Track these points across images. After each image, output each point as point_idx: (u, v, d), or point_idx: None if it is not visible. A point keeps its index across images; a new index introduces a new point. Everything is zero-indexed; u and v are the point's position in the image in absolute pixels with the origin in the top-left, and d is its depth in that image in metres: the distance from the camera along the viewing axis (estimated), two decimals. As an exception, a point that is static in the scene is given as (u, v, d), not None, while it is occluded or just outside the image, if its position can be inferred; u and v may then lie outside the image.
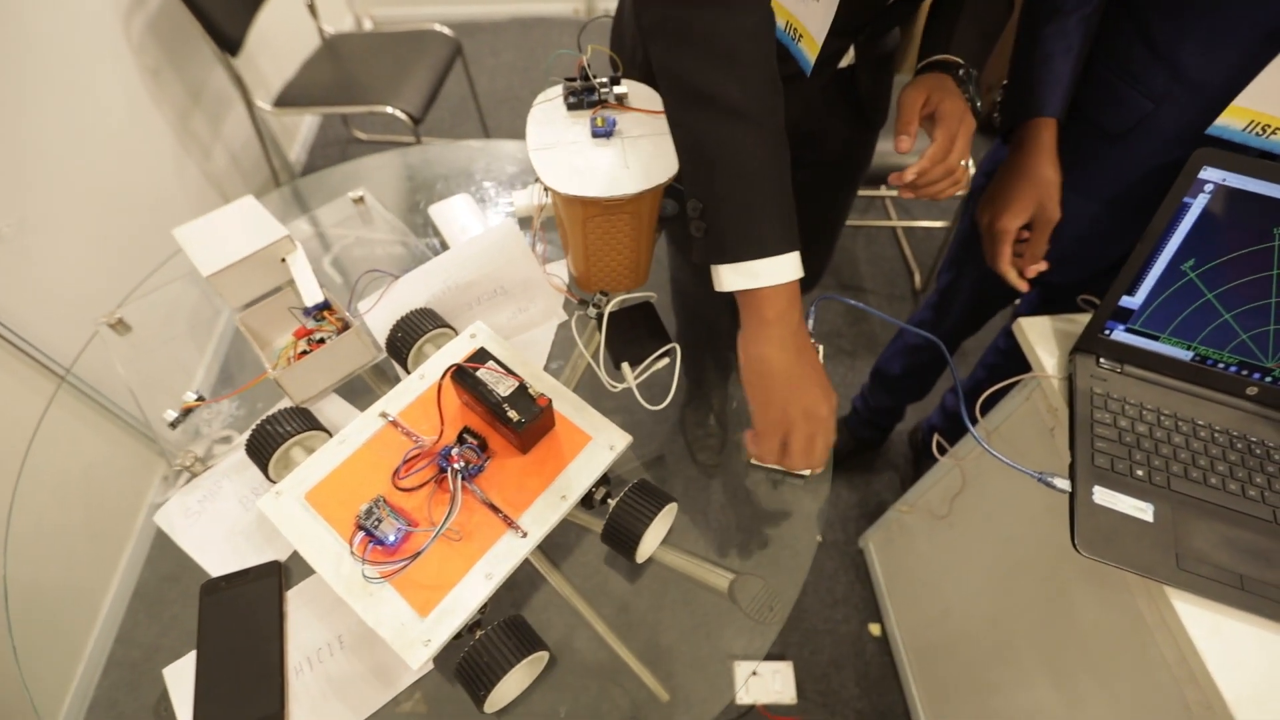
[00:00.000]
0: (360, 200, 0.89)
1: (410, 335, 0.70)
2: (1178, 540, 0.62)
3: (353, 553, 0.54)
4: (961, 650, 1.07)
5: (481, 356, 0.63)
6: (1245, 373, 0.70)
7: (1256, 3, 0.58)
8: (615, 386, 0.74)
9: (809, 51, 0.67)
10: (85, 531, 1.16)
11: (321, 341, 0.69)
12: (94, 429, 1.16)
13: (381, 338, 0.72)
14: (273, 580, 0.61)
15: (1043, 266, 0.74)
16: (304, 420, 0.65)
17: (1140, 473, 0.65)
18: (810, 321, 0.76)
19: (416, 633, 0.53)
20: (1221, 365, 0.71)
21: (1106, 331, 0.72)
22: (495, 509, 0.59)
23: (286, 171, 1.77)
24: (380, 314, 0.74)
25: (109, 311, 0.81)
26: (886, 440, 1.48)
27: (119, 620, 1.20)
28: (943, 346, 0.74)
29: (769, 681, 1.18)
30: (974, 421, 1.35)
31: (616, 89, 0.72)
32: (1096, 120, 0.72)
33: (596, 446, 0.63)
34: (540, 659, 0.56)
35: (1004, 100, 0.74)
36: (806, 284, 0.94)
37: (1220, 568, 0.60)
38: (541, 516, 0.59)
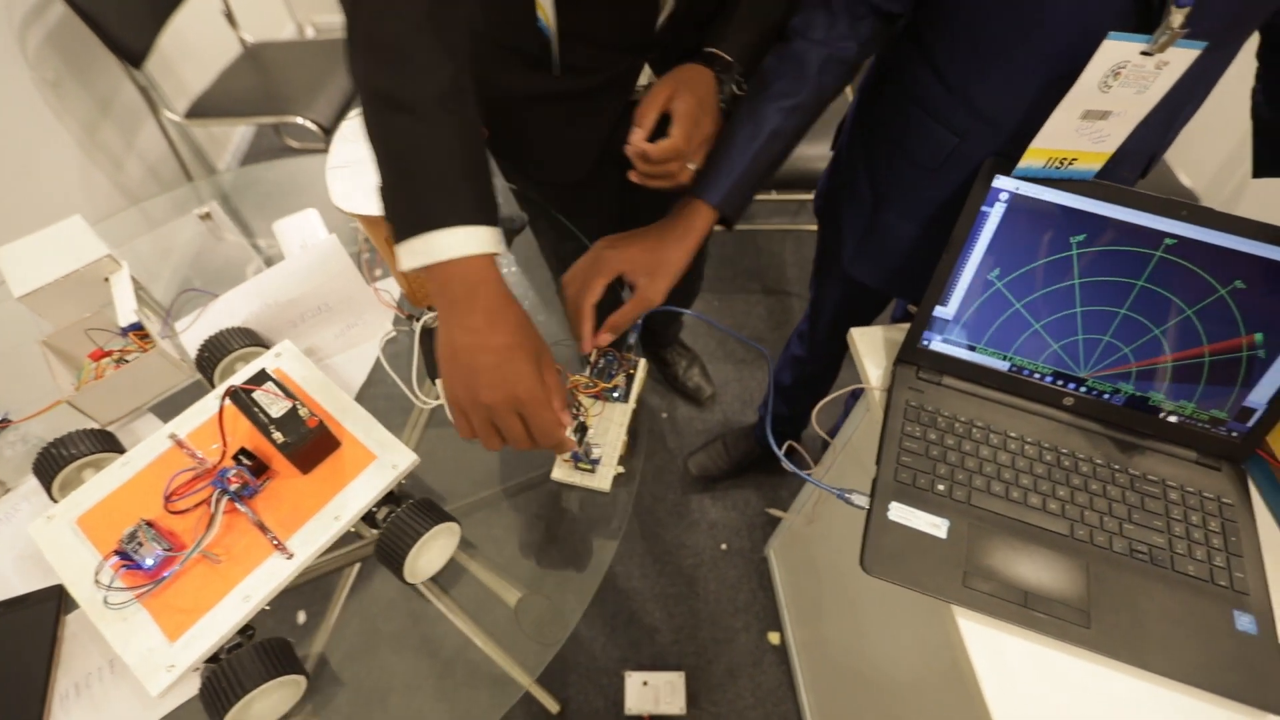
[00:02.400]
0: (207, 216, 0.89)
1: (216, 353, 0.70)
2: (969, 557, 0.61)
3: (96, 579, 0.53)
4: (843, 660, 1.06)
5: (260, 378, 0.62)
6: (1061, 383, 0.69)
7: (1041, 52, 0.57)
8: (426, 403, 0.73)
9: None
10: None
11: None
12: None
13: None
14: (50, 605, 0.60)
15: (604, 340, 0.67)
16: (96, 442, 0.65)
17: (941, 487, 0.64)
18: (633, 336, 0.75)
19: (162, 658, 0.53)
20: (1038, 376, 0.70)
21: (925, 342, 0.71)
22: (265, 530, 0.58)
23: (214, 183, 1.78)
24: (198, 333, 0.74)
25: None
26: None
27: None
28: (766, 355, 0.74)
29: (659, 691, 1.18)
30: (795, 431, 1.33)
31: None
32: (911, 155, 0.71)
33: (380, 465, 0.63)
34: (293, 682, 0.56)
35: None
36: (682, 299, 0.94)
37: (1006, 585, 0.59)
38: (311, 537, 0.59)
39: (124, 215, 0.97)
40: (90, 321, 0.71)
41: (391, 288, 0.81)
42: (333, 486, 0.62)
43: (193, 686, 0.56)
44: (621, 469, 0.68)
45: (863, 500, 0.65)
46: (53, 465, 0.62)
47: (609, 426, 0.69)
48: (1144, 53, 0.50)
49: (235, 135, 2.01)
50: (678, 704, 1.17)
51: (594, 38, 0.69)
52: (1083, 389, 0.69)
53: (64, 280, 0.70)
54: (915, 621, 0.76)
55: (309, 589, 0.73)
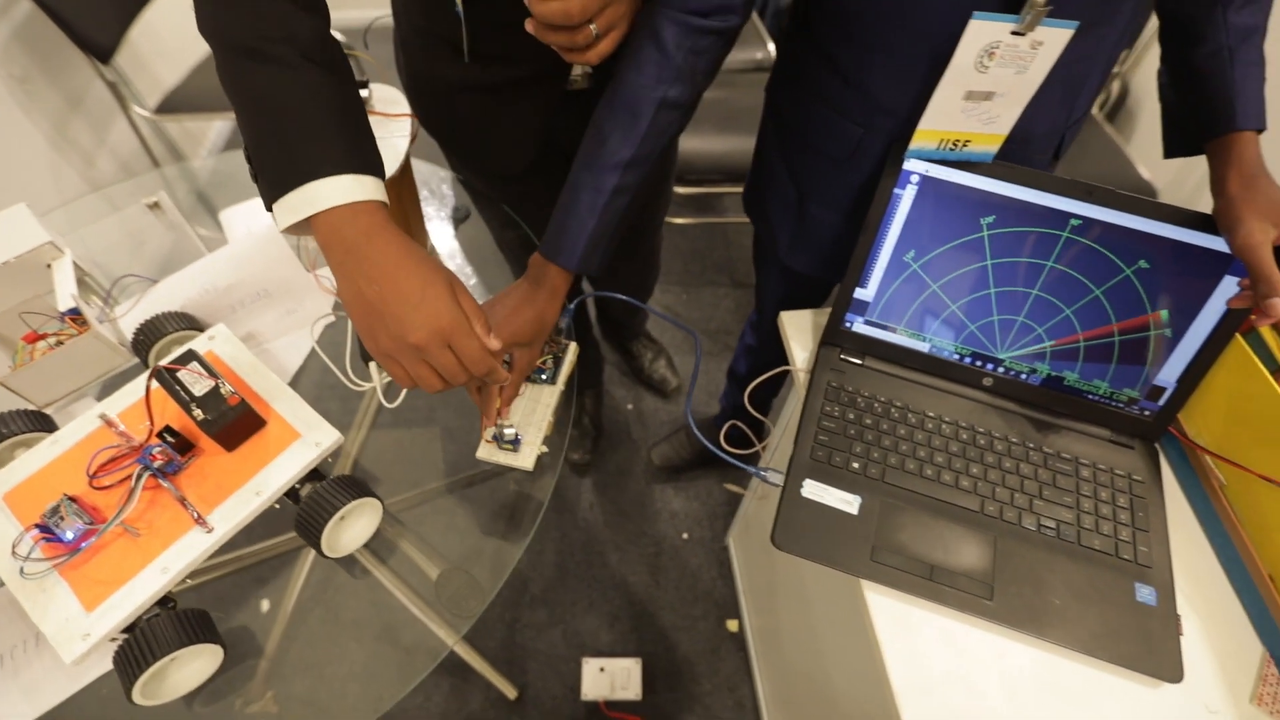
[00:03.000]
0: (156, 205, 0.91)
1: (152, 336, 0.71)
2: (878, 532, 0.62)
3: (14, 550, 0.55)
4: (793, 646, 1.07)
5: (186, 358, 0.63)
6: (979, 364, 0.70)
7: (920, 38, 0.58)
8: (359, 385, 0.75)
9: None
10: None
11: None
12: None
13: (138, 341, 0.73)
14: (-23, 579, 0.62)
15: (505, 414, 0.66)
16: (29, 423, 0.66)
17: (856, 465, 0.66)
18: (564, 320, 0.76)
19: (79, 627, 0.54)
20: (957, 356, 0.71)
21: (847, 324, 0.72)
22: (186, 504, 0.60)
23: (189, 178, 1.79)
24: (136, 318, 0.75)
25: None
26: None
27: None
28: (696, 338, 0.75)
29: (615, 677, 1.19)
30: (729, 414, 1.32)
31: (361, 92, 0.73)
32: (821, 148, 0.72)
33: (304, 443, 0.64)
34: (210, 651, 0.57)
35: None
36: (637, 290, 0.92)
37: (913, 559, 0.60)
38: (232, 512, 0.60)
39: (82, 203, 0.98)
40: (28, 305, 0.72)
41: (331, 274, 0.82)
42: (256, 464, 0.63)
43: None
44: (545, 449, 0.69)
45: (778, 478, 0.66)
46: (-20, 444, 0.64)
47: (535, 407, 0.70)
48: (1015, 32, 0.51)
49: (212, 131, 2.03)
50: (634, 690, 1.18)
51: (502, 22, 0.67)
52: (1000, 369, 0.70)
53: (3, 266, 0.72)
54: (845, 604, 0.77)
55: (272, 579, 0.74)
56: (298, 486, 0.63)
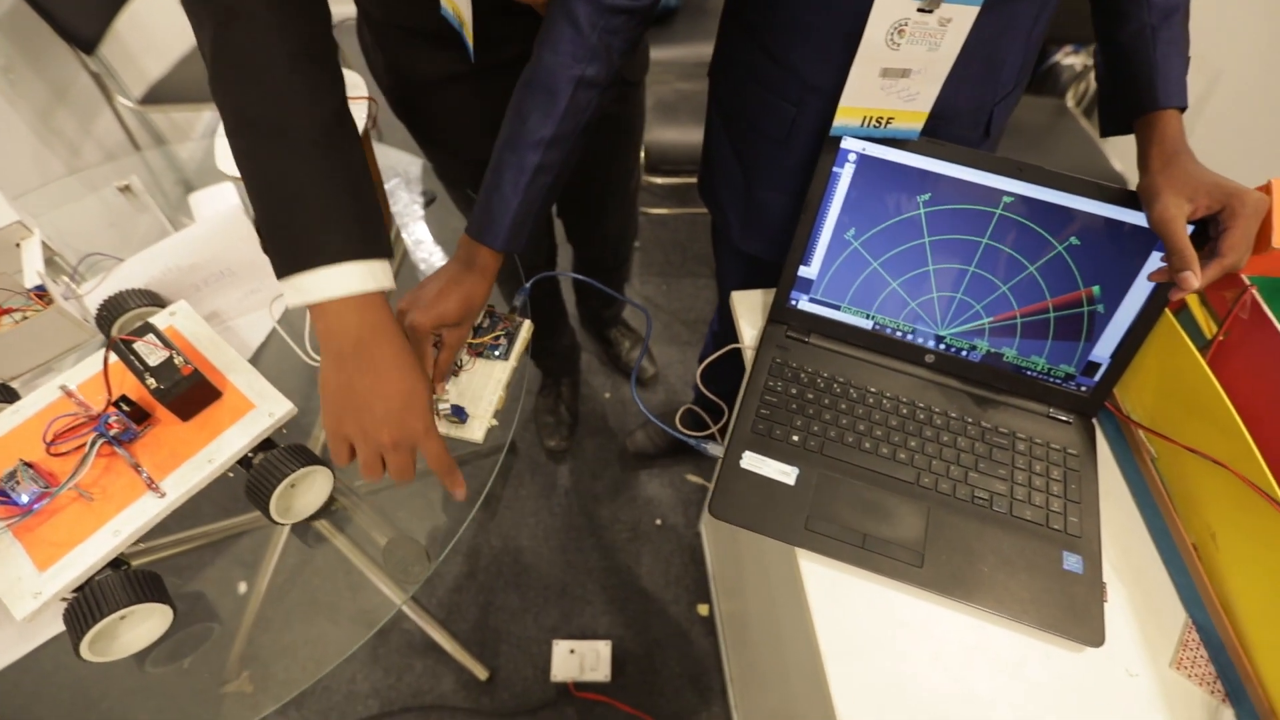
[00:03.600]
0: (127, 189, 0.93)
1: (114, 312, 0.73)
2: (814, 502, 0.64)
3: (-31, 511, 0.57)
4: (759, 628, 1.08)
5: (143, 330, 0.65)
6: (922, 341, 0.72)
7: (835, 17, 0.59)
8: (314, 359, 0.76)
9: (468, 36, 0.69)
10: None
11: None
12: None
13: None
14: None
15: (440, 390, 0.67)
16: (-10, 393, 0.68)
17: (796, 438, 0.67)
18: (520, 298, 0.78)
19: (30, 585, 0.56)
20: (900, 334, 0.72)
21: (793, 302, 0.74)
22: (139, 470, 0.61)
23: (178, 169, 1.81)
24: (102, 295, 0.77)
25: None
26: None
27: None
28: (647, 315, 0.76)
29: (585, 659, 1.20)
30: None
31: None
32: (761, 130, 0.74)
33: (258, 414, 0.66)
34: (160, 612, 0.59)
35: None
36: (613, 262, 0.90)
37: (846, 528, 0.62)
38: (185, 478, 0.62)
39: (58, 186, 1.00)
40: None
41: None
42: (210, 433, 0.65)
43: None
44: (495, 422, 0.71)
45: (717, 449, 0.68)
46: (-60, 414, 0.66)
47: (487, 382, 0.72)
48: (922, 9, 0.52)
49: (200, 122, 2.05)
50: (603, 672, 1.20)
51: (508, 7, 0.69)
52: (941, 346, 0.71)
53: (-28, 245, 0.74)
54: (790, 577, 0.78)
55: (252, 560, 0.75)
56: (251, 455, 0.65)
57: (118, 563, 0.60)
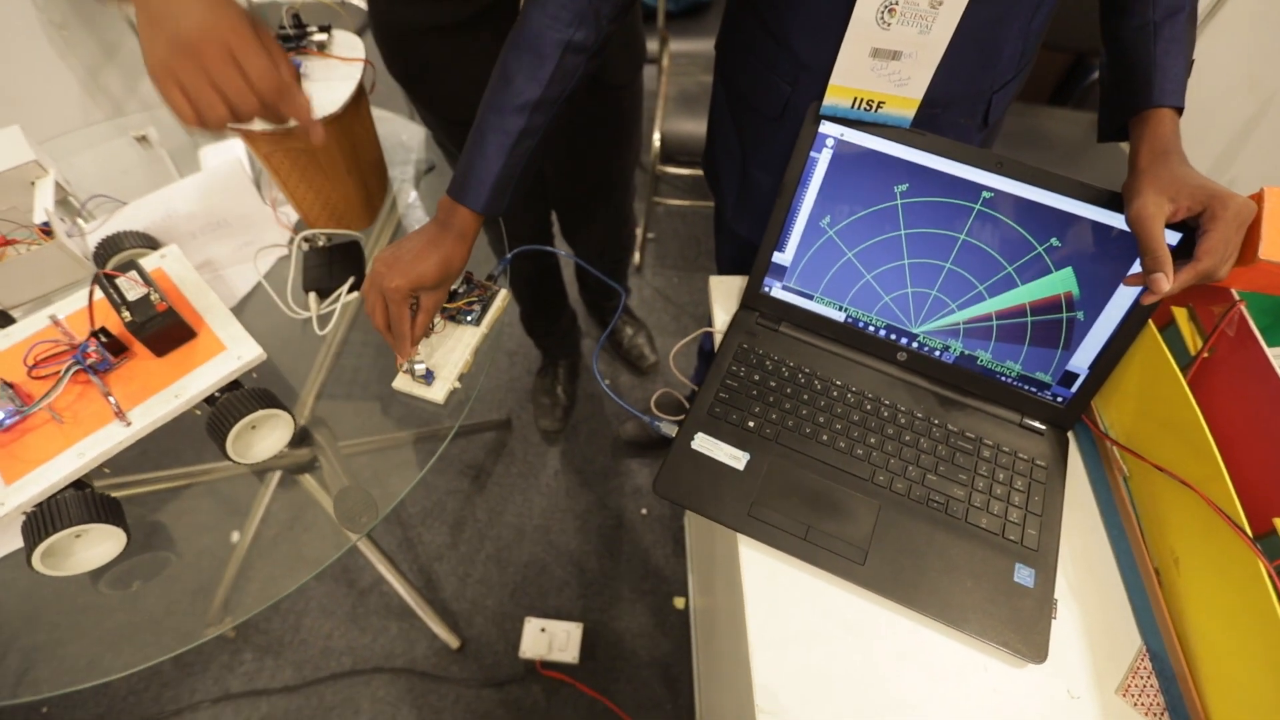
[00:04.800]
0: (144, 139, 0.96)
1: (110, 251, 0.76)
2: (762, 489, 0.62)
3: (-54, 422, 0.60)
4: (724, 625, 1.07)
5: (127, 267, 0.68)
6: (894, 337, 0.70)
7: None
8: (296, 312, 0.78)
9: None
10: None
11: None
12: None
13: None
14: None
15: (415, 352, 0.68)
16: (-13, 318, 0.72)
17: (752, 424, 0.66)
18: (499, 268, 0.79)
19: (-6, 497, 0.59)
20: (872, 328, 0.70)
21: (766, 288, 0.73)
22: (109, 399, 0.64)
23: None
24: (102, 235, 0.80)
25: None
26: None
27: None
28: (623, 293, 0.76)
29: (555, 639, 1.21)
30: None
31: (318, 37, 0.77)
32: (757, 107, 0.73)
33: (228, 356, 0.68)
34: (114, 535, 0.61)
35: None
36: (605, 264, 0.90)
37: (790, 518, 0.61)
38: (151, 410, 0.64)
39: (83, 133, 1.05)
40: (5, 215, 0.78)
41: (291, 212, 0.86)
42: (181, 370, 0.67)
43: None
44: (459, 385, 0.72)
45: (670, 429, 0.67)
46: (-62, 334, 0.70)
47: (456, 346, 0.73)
48: None
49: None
50: (571, 653, 1.20)
51: None
52: (915, 344, 0.69)
53: (-10, 179, 0.78)
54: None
55: (244, 510, 0.77)
56: (217, 395, 0.67)
57: (81, 484, 0.63)
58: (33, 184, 0.81)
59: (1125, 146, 0.61)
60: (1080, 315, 0.62)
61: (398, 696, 1.19)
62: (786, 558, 0.60)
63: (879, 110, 0.61)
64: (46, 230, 0.78)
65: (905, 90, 0.58)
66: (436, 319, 0.75)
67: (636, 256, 1.78)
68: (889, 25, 0.54)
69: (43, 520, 0.57)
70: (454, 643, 1.22)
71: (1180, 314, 0.62)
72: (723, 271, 1.04)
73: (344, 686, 1.20)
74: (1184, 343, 0.61)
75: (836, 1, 0.57)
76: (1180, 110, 0.56)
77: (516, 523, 1.38)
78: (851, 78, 0.59)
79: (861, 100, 0.60)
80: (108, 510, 0.61)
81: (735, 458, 0.64)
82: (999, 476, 0.63)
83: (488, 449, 1.47)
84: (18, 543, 0.65)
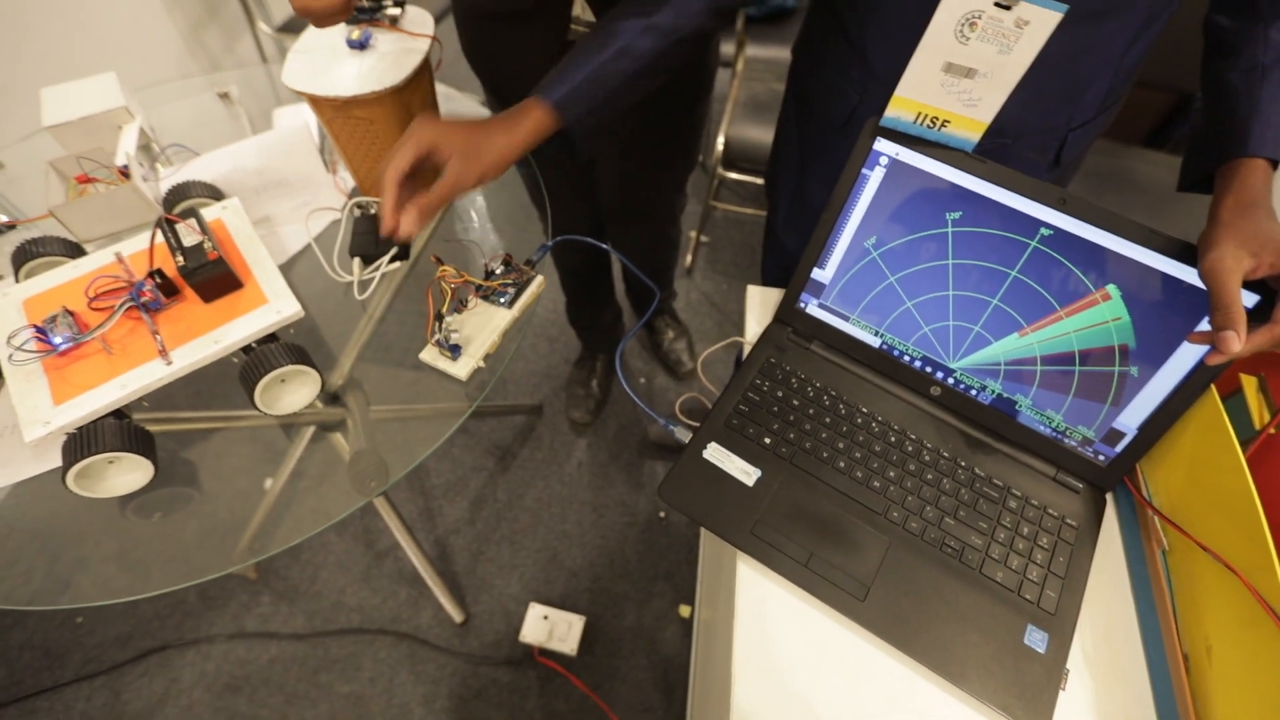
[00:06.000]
0: (226, 96, 1.01)
1: (178, 197, 0.80)
2: (768, 508, 0.61)
3: (9, 341, 0.64)
4: (722, 642, 1.05)
5: (188, 214, 0.71)
6: (930, 370, 0.67)
7: (908, 2, 0.56)
8: (340, 275, 0.81)
9: None
10: None
11: (107, 191, 0.80)
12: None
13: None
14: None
15: (409, 225, 0.60)
16: (63, 249, 0.76)
17: (768, 440, 0.64)
18: (538, 254, 0.79)
19: (43, 414, 0.62)
20: (908, 358, 0.67)
21: (802, 304, 0.71)
22: (156, 337, 0.67)
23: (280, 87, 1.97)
24: (174, 181, 0.85)
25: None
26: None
27: None
28: (657, 291, 0.75)
29: (556, 628, 1.21)
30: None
31: (391, 11, 0.79)
32: (823, 115, 0.71)
33: (268, 309, 0.70)
34: (141, 465, 0.64)
35: None
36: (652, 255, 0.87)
37: (793, 542, 0.59)
38: (192, 352, 0.67)
39: (176, 84, 1.11)
40: (91, 155, 0.83)
41: (349, 178, 0.89)
42: (225, 318, 0.70)
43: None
44: (483, 364, 0.72)
45: (684, 434, 0.66)
46: (23, 257, 0.75)
47: (485, 324, 0.74)
48: (999, 4, 0.48)
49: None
50: (570, 644, 1.20)
51: None
52: (950, 379, 0.66)
53: (82, 121, 0.83)
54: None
55: (277, 460, 0.80)
56: (254, 345, 0.70)
57: (120, 414, 0.66)
58: (120, 128, 0.87)
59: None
60: (1134, 370, 0.58)
61: (398, 660, 1.22)
62: (784, 582, 0.58)
63: (942, 129, 0.58)
64: (125, 172, 0.82)
65: (974, 112, 0.55)
66: (471, 298, 0.76)
67: (688, 258, 1.77)
68: (968, 40, 0.51)
69: (82, 443, 0.61)
70: (458, 616, 1.24)
71: (1249, 383, 0.57)
72: (767, 284, 1.02)
73: (349, 642, 1.24)
74: (1249, 415, 0.56)
75: (918, 8, 0.55)
76: (1276, 164, 0.52)
77: (535, 508, 1.39)
78: (919, 91, 0.56)
79: (926, 116, 0.58)
80: (141, 442, 0.64)
81: (746, 472, 0.62)
82: (1023, 530, 0.60)
83: (516, 432, 1.49)
84: (58, 460, 0.69)
